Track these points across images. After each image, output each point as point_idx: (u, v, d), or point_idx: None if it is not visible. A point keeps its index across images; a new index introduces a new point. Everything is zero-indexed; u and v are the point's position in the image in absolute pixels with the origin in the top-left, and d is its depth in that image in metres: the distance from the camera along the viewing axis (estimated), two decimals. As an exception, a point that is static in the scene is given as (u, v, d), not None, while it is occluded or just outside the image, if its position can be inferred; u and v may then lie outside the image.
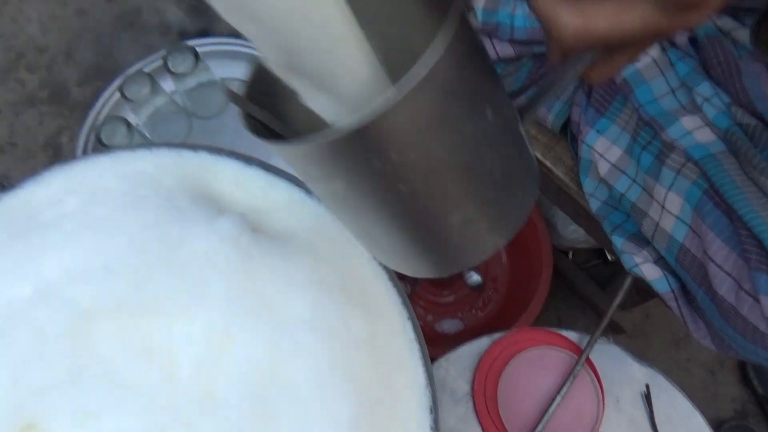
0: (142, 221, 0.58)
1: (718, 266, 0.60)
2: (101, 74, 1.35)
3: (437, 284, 1.04)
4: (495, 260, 1.08)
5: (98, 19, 1.42)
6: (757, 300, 0.56)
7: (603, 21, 0.27)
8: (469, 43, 0.26)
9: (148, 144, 0.64)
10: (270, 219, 0.60)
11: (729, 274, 0.59)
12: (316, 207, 0.61)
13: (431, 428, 0.56)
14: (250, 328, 0.53)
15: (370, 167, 0.26)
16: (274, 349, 0.53)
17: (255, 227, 0.58)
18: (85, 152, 0.93)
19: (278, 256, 0.57)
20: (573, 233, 1.13)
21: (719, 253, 0.60)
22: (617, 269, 1.18)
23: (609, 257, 1.20)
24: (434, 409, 0.57)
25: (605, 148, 0.70)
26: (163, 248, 0.56)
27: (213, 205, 0.60)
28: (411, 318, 0.58)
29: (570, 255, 1.21)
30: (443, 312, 1.05)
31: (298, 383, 0.51)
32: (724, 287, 0.59)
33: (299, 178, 0.49)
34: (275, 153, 0.28)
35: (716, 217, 0.61)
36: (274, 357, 0.52)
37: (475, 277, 1.06)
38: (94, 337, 0.53)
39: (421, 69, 0.24)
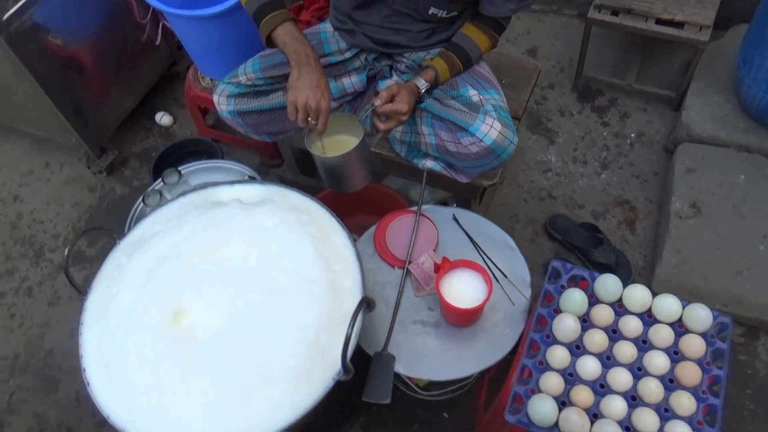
0: (194, 217, 1.25)
1: (448, 141, 1.35)
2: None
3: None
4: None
5: (89, 204, 2.10)
6: (460, 142, 1.31)
7: (389, 125, 1.30)
8: (364, 141, 1.30)
9: (183, 192, 1.33)
10: (248, 197, 1.29)
11: (451, 141, 1.34)
12: (264, 187, 1.31)
13: (354, 247, 1.22)
14: (255, 235, 1.20)
15: (340, 162, 1.30)
16: (265, 236, 1.20)
17: (244, 201, 1.27)
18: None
19: (259, 206, 1.26)
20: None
21: (446, 137, 1.35)
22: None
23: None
24: (353, 243, 1.23)
25: (399, 131, 1.47)
26: (206, 221, 1.24)
27: (222, 202, 1.29)
28: (333, 215, 1.26)
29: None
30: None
31: (282, 243, 1.19)
32: (452, 147, 1.34)
33: (318, 164, 1.33)
34: (317, 159, 1.31)
35: (440, 125, 1.37)
36: (266, 238, 1.20)
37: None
38: (191, 266, 1.18)
39: (354, 147, 1.28)
